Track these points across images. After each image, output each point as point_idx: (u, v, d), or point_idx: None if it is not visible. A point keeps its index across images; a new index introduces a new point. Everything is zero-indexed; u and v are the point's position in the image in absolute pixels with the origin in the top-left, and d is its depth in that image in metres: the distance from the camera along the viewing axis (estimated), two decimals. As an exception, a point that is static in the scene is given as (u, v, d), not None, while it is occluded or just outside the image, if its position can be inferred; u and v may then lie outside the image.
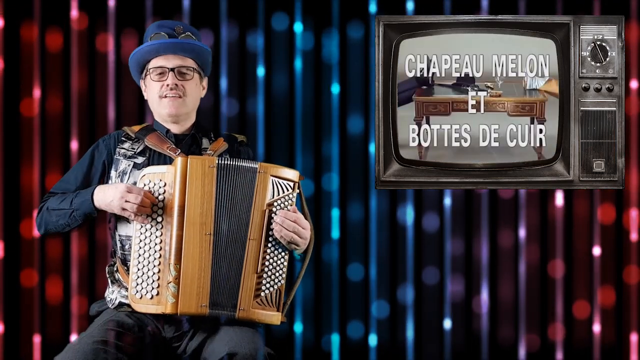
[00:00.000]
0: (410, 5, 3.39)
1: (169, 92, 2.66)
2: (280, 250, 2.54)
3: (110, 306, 2.61)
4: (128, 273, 2.56)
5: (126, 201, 2.48)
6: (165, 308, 2.45)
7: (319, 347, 3.51)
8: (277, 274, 2.53)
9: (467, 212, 3.49)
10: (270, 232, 2.52)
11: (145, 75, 2.71)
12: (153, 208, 2.49)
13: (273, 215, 2.52)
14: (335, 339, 3.49)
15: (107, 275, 2.64)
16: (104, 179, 2.69)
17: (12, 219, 3.44)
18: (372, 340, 3.48)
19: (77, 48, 3.45)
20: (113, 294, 2.62)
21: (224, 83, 3.47)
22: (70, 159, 3.43)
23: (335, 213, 3.47)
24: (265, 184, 2.52)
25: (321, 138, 3.50)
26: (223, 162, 2.51)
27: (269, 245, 2.52)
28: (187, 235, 2.46)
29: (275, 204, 2.53)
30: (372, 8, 3.41)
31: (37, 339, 3.43)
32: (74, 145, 3.44)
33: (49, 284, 3.46)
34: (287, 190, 2.55)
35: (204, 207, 2.47)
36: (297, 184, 2.57)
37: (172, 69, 2.66)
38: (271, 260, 2.52)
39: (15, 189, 3.45)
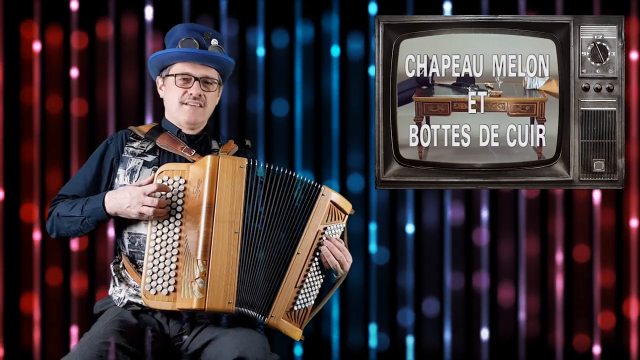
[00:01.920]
0: (410, 5, 3.39)
1: (191, 101, 2.68)
2: (320, 272, 2.60)
3: (118, 304, 2.60)
4: (137, 271, 2.56)
5: (143, 205, 2.48)
6: (192, 303, 2.44)
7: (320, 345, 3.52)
8: (311, 293, 2.58)
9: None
10: (317, 253, 2.57)
11: (167, 76, 2.71)
12: (172, 205, 2.50)
13: (323, 237, 2.57)
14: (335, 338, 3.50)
15: (113, 274, 2.63)
16: (111, 177, 2.69)
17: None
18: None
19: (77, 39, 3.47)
20: (121, 293, 2.60)
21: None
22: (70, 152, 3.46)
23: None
24: (324, 206, 2.58)
25: (321, 137, 3.51)
26: (254, 164, 2.53)
27: (313, 265, 2.57)
28: (216, 232, 2.47)
29: (329, 228, 2.59)
30: (372, 8, 3.41)
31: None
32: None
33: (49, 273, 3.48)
34: (340, 219, 2.62)
35: (234, 206, 2.49)
36: (347, 216, 2.64)
37: (198, 79, 2.68)
38: (311, 279, 2.57)
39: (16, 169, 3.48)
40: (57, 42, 3.47)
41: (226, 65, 2.73)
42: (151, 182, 2.53)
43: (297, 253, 2.54)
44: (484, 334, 3.47)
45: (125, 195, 2.52)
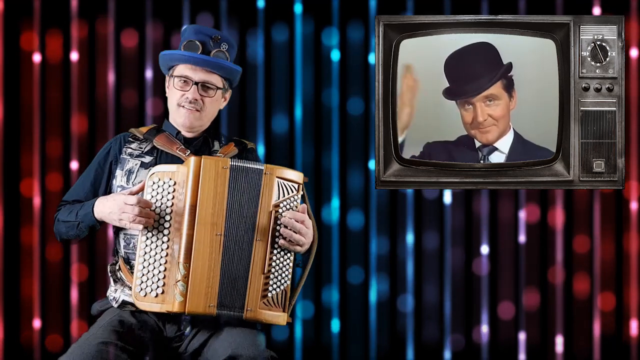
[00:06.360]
0: (410, 5, 3.39)
1: (187, 104, 2.69)
2: (286, 250, 2.55)
3: (114, 304, 2.62)
4: (131, 272, 2.58)
5: (123, 212, 2.50)
6: (172, 306, 2.46)
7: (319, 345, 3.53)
8: (283, 275, 2.54)
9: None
10: (276, 234, 2.53)
11: (171, 76, 2.73)
12: (161, 207, 2.50)
13: (279, 216, 2.53)
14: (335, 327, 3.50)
15: (109, 275, 2.66)
16: (109, 180, 2.70)
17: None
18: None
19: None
20: (116, 292, 2.63)
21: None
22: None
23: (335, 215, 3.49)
24: (271, 185, 2.53)
25: (321, 138, 3.51)
26: (236, 163, 2.52)
27: (276, 246, 2.53)
28: (197, 235, 2.47)
29: (282, 205, 2.54)
30: (372, 8, 3.41)
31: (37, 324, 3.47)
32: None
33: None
34: (292, 191, 2.56)
35: (216, 208, 2.48)
36: (301, 185, 2.59)
37: (197, 83, 2.68)
38: (278, 261, 2.54)
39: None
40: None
41: (230, 72, 2.73)
42: (142, 187, 2.55)
43: (257, 240, 2.50)
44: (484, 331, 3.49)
45: (111, 203, 2.54)
